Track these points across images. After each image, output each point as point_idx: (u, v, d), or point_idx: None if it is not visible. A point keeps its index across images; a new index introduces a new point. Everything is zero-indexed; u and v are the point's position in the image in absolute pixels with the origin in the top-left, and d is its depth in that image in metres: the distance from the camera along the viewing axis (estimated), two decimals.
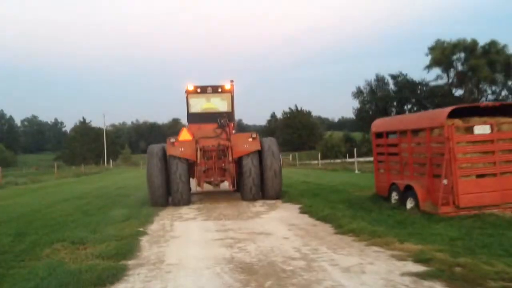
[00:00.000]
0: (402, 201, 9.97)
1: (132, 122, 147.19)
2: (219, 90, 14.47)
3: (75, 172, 45.69)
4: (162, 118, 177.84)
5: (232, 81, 14.60)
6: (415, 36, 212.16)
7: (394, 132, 11.01)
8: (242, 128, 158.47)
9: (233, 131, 14.16)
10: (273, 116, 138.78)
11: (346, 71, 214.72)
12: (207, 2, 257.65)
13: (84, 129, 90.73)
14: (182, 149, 12.62)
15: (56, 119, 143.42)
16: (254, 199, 12.89)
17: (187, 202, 12.79)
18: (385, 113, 72.64)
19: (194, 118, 14.40)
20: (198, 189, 13.14)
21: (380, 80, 73.09)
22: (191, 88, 14.38)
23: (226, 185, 13.75)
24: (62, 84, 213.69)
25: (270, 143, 13.25)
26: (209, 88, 14.43)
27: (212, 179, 13.01)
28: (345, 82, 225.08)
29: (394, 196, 10.49)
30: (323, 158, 76.83)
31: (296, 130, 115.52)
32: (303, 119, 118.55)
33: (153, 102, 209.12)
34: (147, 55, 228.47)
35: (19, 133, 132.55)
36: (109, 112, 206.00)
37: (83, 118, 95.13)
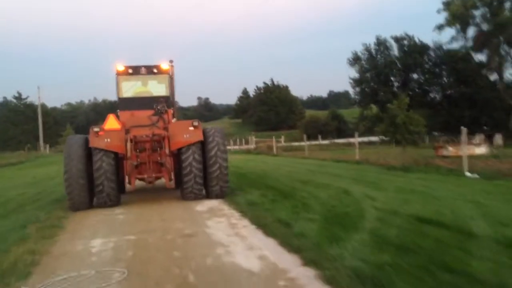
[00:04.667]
0: None
1: (89, 101, 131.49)
2: (155, 71, 12.54)
3: None
4: None
5: (171, 61, 12.85)
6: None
7: None
8: (210, 107, 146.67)
9: (173, 119, 12.41)
10: (245, 92, 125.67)
11: (317, 48, 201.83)
12: None
13: (16, 107, 74.50)
14: (108, 140, 10.78)
15: (4, 98, 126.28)
16: (195, 198, 11.00)
17: (115, 203, 10.83)
18: (389, 83, 60.03)
19: (126, 103, 12.35)
20: (129, 187, 11.60)
21: (381, 44, 60.03)
22: (121, 68, 12.40)
23: (162, 182, 11.51)
24: (9, 59, 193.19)
25: (215, 132, 11.33)
26: (143, 69, 12.53)
27: (145, 176, 10.98)
28: (313, 59, 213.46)
29: None
30: (306, 139, 64.07)
31: (273, 107, 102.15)
32: (280, 95, 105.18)
33: (111, 80, 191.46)
34: (107, 30, 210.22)
35: None
36: (66, 89, 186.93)
37: (18, 93, 78.33)
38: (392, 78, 59.89)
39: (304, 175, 14.93)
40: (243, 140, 52.49)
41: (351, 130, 72.16)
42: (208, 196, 11.24)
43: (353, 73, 62.06)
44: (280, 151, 33.38)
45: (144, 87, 12.94)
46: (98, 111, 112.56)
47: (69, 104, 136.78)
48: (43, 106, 75.98)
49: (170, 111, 12.26)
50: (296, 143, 45.89)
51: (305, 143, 29.45)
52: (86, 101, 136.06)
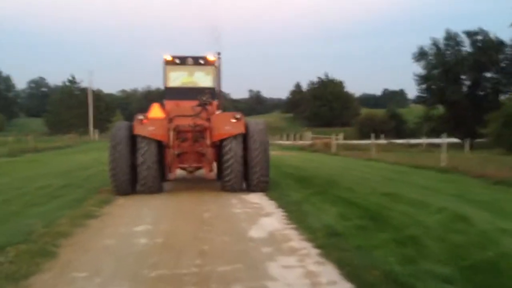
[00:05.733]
0: None
1: (142, 88, 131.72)
2: (201, 62, 12.65)
3: (12, 148, 29.87)
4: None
5: (218, 53, 13.06)
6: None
7: None
8: (261, 100, 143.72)
9: (218, 111, 12.42)
10: (297, 87, 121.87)
11: (374, 45, 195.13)
12: None
13: (70, 90, 74.68)
14: (152, 128, 11.02)
15: (64, 82, 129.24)
16: (235, 190, 10.96)
17: (156, 190, 11.01)
18: (458, 82, 54.88)
19: (172, 93, 12.60)
20: (170, 175, 11.57)
21: (451, 38, 54.80)
22: (169, 58, 12.63)
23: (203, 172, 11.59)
24: (72, 47, 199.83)
25: (257, 125, 11.29)
26: (190, 60, 12.67)
27: (186, 165, 11.57)
28: (369, 57, 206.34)
29: None
30: (362, 137, 59.66)
31: (327, 102, 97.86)
32: (334, 90, 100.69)
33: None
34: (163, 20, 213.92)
35: (22, 95, 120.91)
36: (122, 76, 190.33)
37: (72, 76, 78.62)
38: (462, 76, 54.64)
39: (384, 185, 11.75)
40: (298, 135, 49.32)
41: (411, 130, 67.31)
42: (248, 189, 11.19)
43: (418, 69, 57.18)
44: (339, 149, 30.05)
45: (190, 77, 13.01)
46: (151, 99, 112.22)
47: (123, 91, 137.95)
48: (99, 91, 76.07)
49: (215, 102, 12.36)
50: (355, 141, 42.25)
51: (371, 142, 25.87)
52: (140, 89, 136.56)
